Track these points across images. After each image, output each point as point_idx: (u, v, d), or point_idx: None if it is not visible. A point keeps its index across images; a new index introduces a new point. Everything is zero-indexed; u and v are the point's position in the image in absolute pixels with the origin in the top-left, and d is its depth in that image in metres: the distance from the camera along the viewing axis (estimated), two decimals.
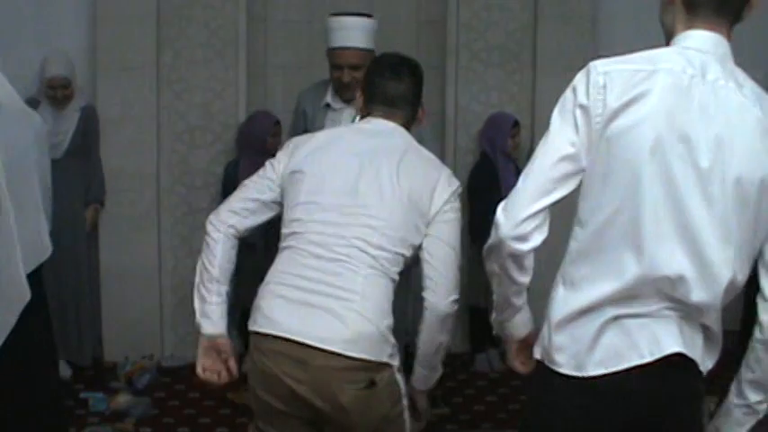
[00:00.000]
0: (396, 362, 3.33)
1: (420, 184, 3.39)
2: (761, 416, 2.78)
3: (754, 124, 2.56)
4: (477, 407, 6.28)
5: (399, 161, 3.42)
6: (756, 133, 2.56)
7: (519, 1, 7.08)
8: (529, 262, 2.68)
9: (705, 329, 2.66)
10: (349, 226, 3.31)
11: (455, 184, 3.49)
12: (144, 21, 6.80)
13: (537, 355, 2.74)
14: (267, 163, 3.58)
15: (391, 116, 3.60)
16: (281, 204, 3.49)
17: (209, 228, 3.52)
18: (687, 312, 2.59)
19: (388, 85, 3.62)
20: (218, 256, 3.50)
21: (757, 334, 2.67)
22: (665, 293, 2.56)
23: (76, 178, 6.63)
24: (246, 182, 3.60)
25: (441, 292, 3.36)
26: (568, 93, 2.64)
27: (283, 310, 3.27)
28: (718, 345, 2.70)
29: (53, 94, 6.48)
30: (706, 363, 2.68)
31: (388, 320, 3.28)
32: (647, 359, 2.57)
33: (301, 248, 3.34)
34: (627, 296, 2.56)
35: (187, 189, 6.94)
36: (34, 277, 4.29)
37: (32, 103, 6.31)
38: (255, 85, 7.07)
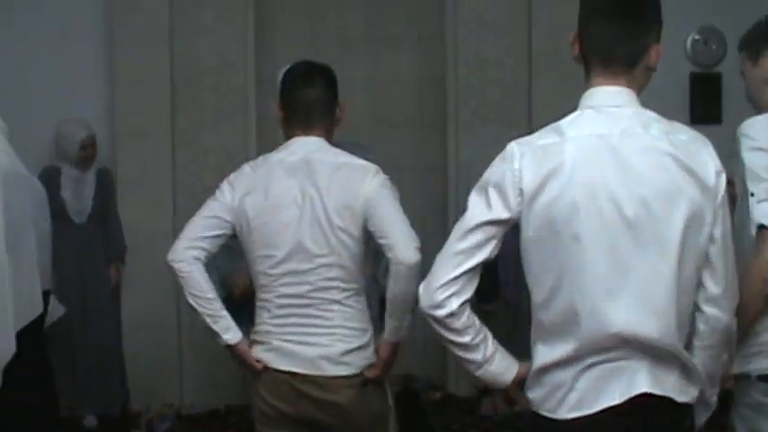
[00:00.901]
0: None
1: (350, 199, 3.65)
2: (713, 407, 2.99)
3: (667, 161, 2.71)
4: None
5: (327, 190, 3.65)
6: (670, 163, 2.71)
7: (514, 58, 7.32)
8: (459, 323, 2.84)
9: (680, 363, 2.78)
10: (309, 272, 3.65)
11: (374, 171, 3.74)
12: (159, 86, 7.12)
13: (528, 396, 2.89)
14: (212, 202, 3.85)
15: (311, 130, 3.81)
16: (233, 229, 3.78)
17: (174, 266, 3.82)
18: (654, 353, 2.72)
19: (302, 94, 3.83)
20: (201, 281, 3.78)
21: (696, 341, 2.87)
22: (626, 342, 2.71)
23: (98, 240, 6.90)
24: (197, 218, 3.87)
25: (399, 245, 3.61)
26: (488, 176, 2.82)
27: (283, 358, 3.74)
28: (696, 373, 2.81)
29: (84, 154, 6.77)
30: (689, 392, 2.81)
31: (370, 329, 3.78)
32: (617, 401, 2.72)
33: (277, 302, 3.73)
34: (592, 350, 2.72)
35: None
36: (28, 336, 4.50)
37: (51, 171, 6.63)
38: (266, 144, 7.31)
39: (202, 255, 3.79)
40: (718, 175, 2.75)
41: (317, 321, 3.69)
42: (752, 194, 3.12)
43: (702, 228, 2.74)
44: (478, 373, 2.96)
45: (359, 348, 3.72)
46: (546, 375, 2.81)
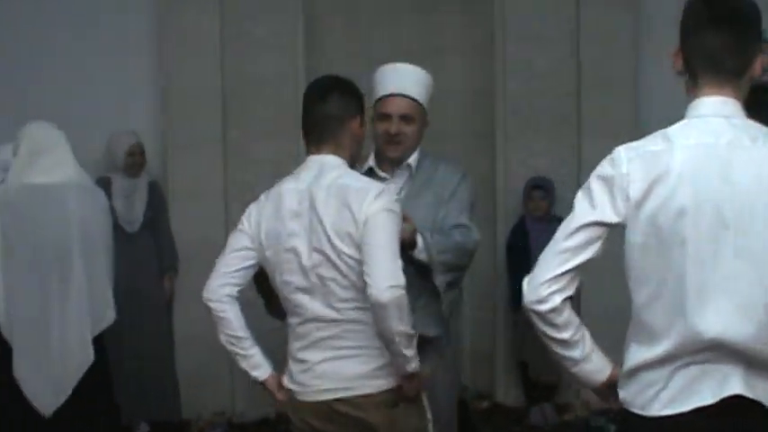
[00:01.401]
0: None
1: (347, 225, 3.59)
2: None
3: None
4: None
5: (327, 217, 3.62)
6: None
7: (563, 69, 7.36)
8: (560, 319, 2.95)
9: None
10: (327, 295, 3.64)
11: (373, 194, 3.62)
12: (210, 99, 7.23)
13: (620, 394, 2.96)
14: (237, 233, 3.94)
15: (322, 147, 3.79)
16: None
17: (211, 306, 3.96)
18: (750, 357, 2.77)
19: (315, 109, 3.81)
20: (234, 322, 3.91)
21: None
22: (722, 346, 2.76)
23: (150, 250, 7.00)
24: (226, 252, 3.98)
25: (374, 280, 3.48)
26: (595, 179, 2.92)
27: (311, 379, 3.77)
28: None
29: (131, 161, 6.88)
30: None
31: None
32: (709, 401, 2.77)
33: (303, 325, 3.77)
34: (688, 351, 2.78)
35: None
36: (97, 343, 4.64)
37: (104, 181, 6.72)
38: None
39: (235, 290, 3.91)
40: None
41: (341, 343, 3.67)
42: None
43: None
44: (574, 370, 3.04)
45: (386, 366, 3.66)
46: (640, 374, 2.87)
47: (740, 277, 2.75)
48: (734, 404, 2.77)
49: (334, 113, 3.79)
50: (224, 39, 7.27)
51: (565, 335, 2.98)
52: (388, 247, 3.55)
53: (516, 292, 7.05)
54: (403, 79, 4.60)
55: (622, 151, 2.89)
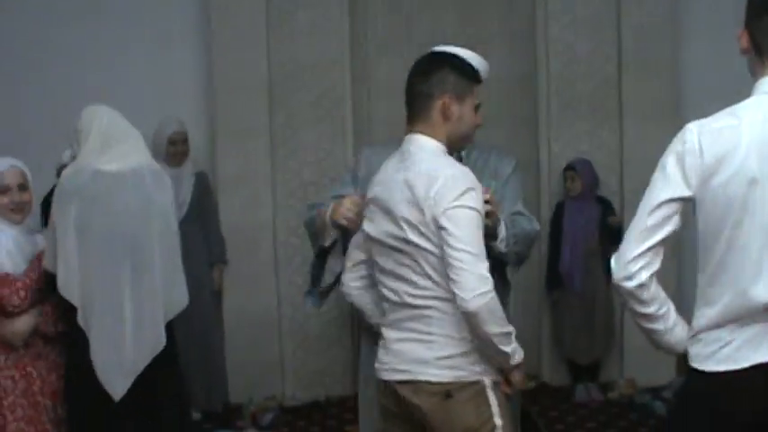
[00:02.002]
0: (488, 377, 3.58)
1: (415, 213, 3.51)
2: None
3: None
4: None
5: (401, 205, 3.55)
6: None
7: (604, 52, 7.42)
8: (647, 295, 3.12)
9: None
10: (402, 280, 3.62)
11: (454, 187, 3.47)
12: (257, 87, 7.32)
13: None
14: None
15: (413, 125, 3.67)
16: None
17: (348, 298, 4.04)
18: None
19: (409, 86, 3.69)
20: (367, 310, 3.99)
21: None
22: None
23: (196, 240, 7.00)
24: (349, 250, 4.00)
25: (461, 286, 3.41)
26: (668, 156, 3.06)
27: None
28: None
29: (173, 150, 6.93)
30: None
31: (469, 339, 3.54)
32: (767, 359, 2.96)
33: (386, 303, 3.76)
34: (749, 314, 2.97)
35: (302, 241, 7.35)
36: (167, 330, 4.69)
37: None
38: (361, 139, 7.50)
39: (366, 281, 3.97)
40: None
41: (415, 326, 3.61)
42: None
43: None
44: (659, 341, 3.23)
45: (453, 357, 3.56)
46: (703, 334, 3.07)
47: None
48: None
49: (423, 91, 3.65)
50: (269, 26, 7.35)
51: (650, 309, 3.15)
52: (472, 246, 3.43)
53: (551, 273, 7.20)
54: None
55: (693, 127, 3.03)
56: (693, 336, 3.11)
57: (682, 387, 3.30)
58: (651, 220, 3.07)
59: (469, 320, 3.44)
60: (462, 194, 3.43)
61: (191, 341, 6.72)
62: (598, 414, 6.86)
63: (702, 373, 3.07)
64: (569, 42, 7.43)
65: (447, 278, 3.44)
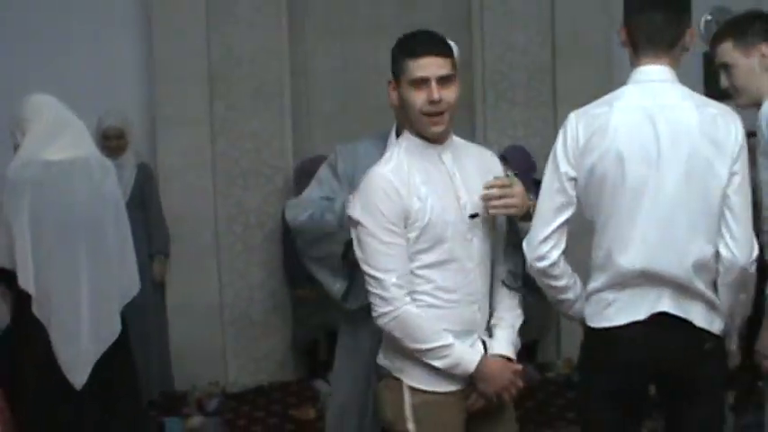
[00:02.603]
0: (402, 375, 3.55)
1: None
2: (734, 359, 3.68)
3: (695, 125, 3.30)
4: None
5: None
6: (695, 131, 3.29)
7: (538, 42, 7.58)
8: (558, 271, 3.48)
9: (703, 298, 3.39)
10: None
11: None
12: (197, 76, 7.37)
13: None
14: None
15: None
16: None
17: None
18: (676, 282, 3.34)
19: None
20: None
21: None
22: (650, 275, 3.35)
23: (137, 230, 7.05)
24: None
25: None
26: (557, 142, 3.46)
27: None
28: (719, 311, 3.43)
29: (107, 144, 6.90)
30: (714, 324, 3.42)
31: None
32: (642, 317, 3.37)
33: None
34: (627, 278, 3.37)
35: (243, 228, 7.50)
36: (121, 319, 4.76)
37: None
38: (300, 131, 7.61)
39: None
40: (737, 146, 3.32)
41: None
42: None
43: (715, 183, 3.31)
44: (569, 309, 3.61)
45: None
46: (593, 296, 3.49)
47: (663, 212, 3.32)
48: (663, 320, 3.37)
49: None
50: (209, 15, 7.39)
51: (561, 282, 3.52)
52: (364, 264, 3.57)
53: None
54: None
55: (573, 115, 3.45)
56: (586, 298, 3.52)
57: (581, 345, 3.63)
58: (551, 203, 3.44)
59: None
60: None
61: (133, 329, 6.77)
62: (536, 393, 6.96)
63: (592, 329, 3.50)
64: (504, 32, 7.58)
65: None
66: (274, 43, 7.45)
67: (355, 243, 3.50)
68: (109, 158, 6.61)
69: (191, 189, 7.37)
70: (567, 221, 3.44)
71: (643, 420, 3.74)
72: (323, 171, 4.17)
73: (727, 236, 3.34)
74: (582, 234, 3.54)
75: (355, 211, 3.47)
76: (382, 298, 3.43)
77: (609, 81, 7.39)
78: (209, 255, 7.41)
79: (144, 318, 6.89)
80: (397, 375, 3.55)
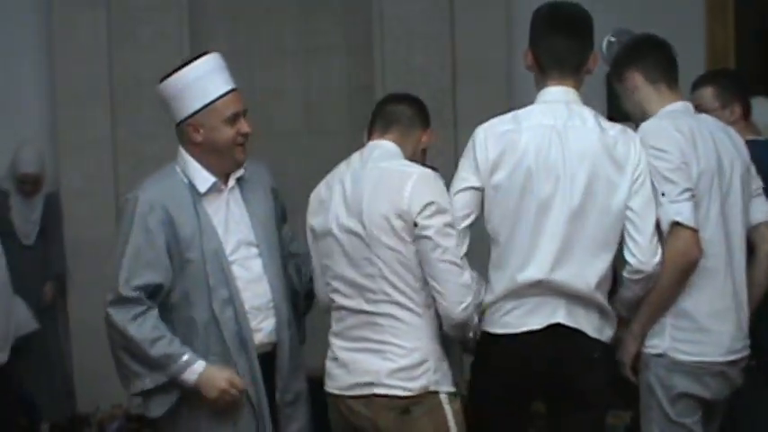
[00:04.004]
0: (444, 388, 3.66)
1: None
2: None
3: (598, 145, 3.55)
4: None
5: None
6: (598, 151, 3.54)
7: (438, 65, 7.63)
8: None
9: (598, 308, 3.63)
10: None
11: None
12: (99, 100, 7.41)
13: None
14: None
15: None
16: None
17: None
18: (571, 293, 3.56)
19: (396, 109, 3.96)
20: None
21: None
22: (548, 287, 3.56)
23: (36, 259, 7.21)
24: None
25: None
26: (464, 155, 3.69)
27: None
28: (612, 319, 3.69)
29: (23, 188, 7.03)
30: (604, 332, 3.67)
31: (424, 348, 3.67)
32: (537, 327, 3.57)
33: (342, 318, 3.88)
34: (524, 288, 3.57)
35: None
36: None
37: (1, 193, 6.84)
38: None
39: None
40: (636, 163, 3.57)
41: (366, 334, 3.69)
42: (663, 194, 3.68)
43: (616, 200, 3.56)
44: None
45: (404, 369, 3.63)
46: (494, 304, 3.65)
47: (564, 228, 3.53)
48: (558, 331, 3.57)
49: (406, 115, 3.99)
50: (111, 40, 7.43)
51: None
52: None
53: None
54: (220, 75, 3.93)
55: (480, 131, 3.68)
56: (487, 307, 3.66)
57: (476, 347, 3.82)
58: (455, 212, 3.62)
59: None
60: None
61: (34, 355, 6.76)
62: None
63: (489, 334, 3.67)
64: (405, 56, 7.65)
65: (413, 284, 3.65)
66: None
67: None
68: (24, 199, 6.74)
69: (93, 213, 7.34)
70: (469, 227, 3.66)
71: (528, 425, 3.89)
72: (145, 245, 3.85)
73: (631, 245, 3.58)
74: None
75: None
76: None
77: (509, 102, 7.52)
78: (110, 278, 7.34)
79: (42, 343, 6.96)
80: (434, 389, 3.64)
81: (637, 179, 3.59)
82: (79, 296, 7.33)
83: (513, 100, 7.49)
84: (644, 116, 3.90)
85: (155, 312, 3.76)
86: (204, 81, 3.87)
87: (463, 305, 3.60)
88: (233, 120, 3.85)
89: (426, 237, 3.56)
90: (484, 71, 7.59)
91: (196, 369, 3.69)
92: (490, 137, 3.62)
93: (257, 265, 3.88)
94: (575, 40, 3.69)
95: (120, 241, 3.82)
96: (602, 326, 3.67)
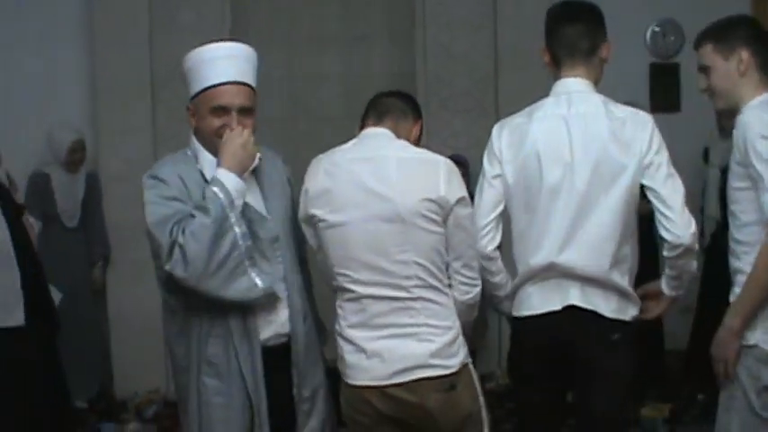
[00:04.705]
0: (470, 359, 3.76)
1: None
2: None
3: (605, 130, 3.68)
4: None
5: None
6: (606, 135, 3.68)
7: (481, 52, 7.62)
8: (493, 267, 3.88)
9: (617, 289, 3.74)
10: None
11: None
12: (140, 85, 7.44)
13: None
14: None
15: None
16: None
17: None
18: (583, 276, 3.70)
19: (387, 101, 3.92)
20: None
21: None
22: (561, 268, 3.72)
23: (80, 239, 7.27)
24: None
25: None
26: (487, 147, 3.92)
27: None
28: (635, 299, 3.82)
29: (73, 158, 7.07)
30: (627, 312, 3.79)
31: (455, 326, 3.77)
32: (558, 307, 3.75)
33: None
34: (541, 272, 3.76)
35: None
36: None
37: (41, 177, 6.87)
38: None
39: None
40: (645, 144, 3.67)
41: (396, 319, 3.66)
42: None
43: (624, 180, 3.67)
44: (499, 305, 4.03)
45: (445, 347, 3.66)
46: (518, 290, 3.87)
47: (574, 212, 3.69)
48: (574, 312, 3.73)
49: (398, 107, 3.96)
50: (153, 24, 7.45)
51: (495, 279, 3.91)
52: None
53: None
54: (233, 63, 3.82)
55: (498, 125, 3.93)
56: (512, 293, 3.90)
57: (510, 333, 4.04)
58: (485, 204, 3.83)
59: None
60: None
61: (77, 338, 6.79)
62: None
63: (517, 318, 3.89)
64: (446, 42, 7.62)
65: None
66: None
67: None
68: (71, 171, 6.80)
69: (133, 198, 7.26)
70: (499, 216, 3.85)
71: (565, 399, 4.06)
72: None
73: (664, 221, 3.66)
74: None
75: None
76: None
77: (551, 88, 7.49)
78: (150, 264, 7.33)
79: (90, 326, 7.14)
80: (467, 361, 3.76)
81: (650, 159, 3.69)
82: (118, 281, 7.35)
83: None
84: (733, 102, 3.78)
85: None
86: (209, 66, 3.78)
87: (477, 290, 3.81)
88: (219, 112, 3.69)
89: (462, 226, 3.68)
90: (526, 59, 7.53)
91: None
92: (505, 129, 3.88)
93: None
94: (584, 26, 3.83)
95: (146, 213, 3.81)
96: (623, 306, 3.78)
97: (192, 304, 3.68)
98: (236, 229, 3.57)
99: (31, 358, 5.08)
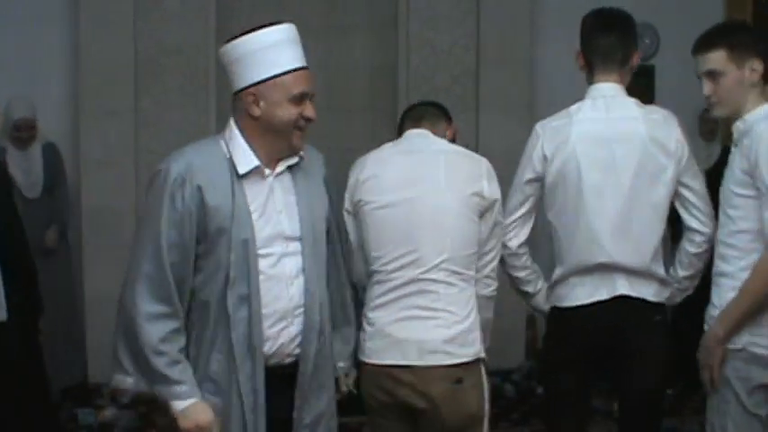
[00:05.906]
0: (484, 356, 3.87)
1: None
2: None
3: (644, 132, 3.91)
4: None
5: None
6: (644, 137, 3.89)
7: (463, 47, 7.68)
8: (518, 262, 4.11)
9: (656, 278, 3.99)
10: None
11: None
12: (122, 69, 7.40)
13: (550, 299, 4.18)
14: None
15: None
16: None
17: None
18: (630, 269, 3.93)
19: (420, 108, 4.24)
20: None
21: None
22: (610, 264, 3.93)
23: (46, 212, 7.17)
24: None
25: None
26: (527, 147, 4.05)
27: None
28: (668, 282, 4.05)
29: (18, 135, 6.99)
30: (663, 294, 4.03)
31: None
32: (605, 297, 3.95)
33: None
34: (589, 266, 3.95)
35: None
36: None
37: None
38: (224, 124, 7.56)
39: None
40: (679, 144, 3.91)
41: (416, 301, 3.77)
42: None
43: (664, 177, 3.90)
44: (530, 301, 4.25)
45: (460, 334, 3.76)
46: (559, 283, 4.05)
47: (620, 210, 3.89)
48: (622, 301, 3.95)
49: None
50: (137, 8, 7.44)
51: (521, 274, 4.15)
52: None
53: None
54: (294, 48, 3.52)
55: (538, 127, 4.06)
56: (552, 285, 4.09)
57: (547, 323, 4.27)
58: (514, 200, 4.05)
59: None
60: None
61: (52, 315, 6.73)
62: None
63: (560, 308, 4.06)
64: (429, 37, 7.67)
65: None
66: (201, 38, 7.49)
67: None
68: (19, 149, 6.72)
69: (113, 183, 7.36)
70: (527, 214, 4.06)
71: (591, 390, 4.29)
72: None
73: (694, 211, 3.97)
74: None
75: None
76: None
77: (531, 87, 7.54)
78: (127, 249, 7.35)
79: (64, 300, 7.14)
80: (480, 357, 3.86)
81: (681, 158, 3.92)
82: (96, 267, 7.34)
83: (535, 83, 7.53)
84: (736, 110, 3.81)
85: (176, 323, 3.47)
86: (276, 50, 3.43)
87: (496, 284, 4.01)
88: (299, 99, 3.43)
89: (499, 223, 3.94)
90: (507, 54, 7.59)
91: (185, 403, 3.39)
92: (546, 131, 4.02)
93: (292, 262, 3.49)
94: (618, 37, 4.02)
95: (150, 212, 3.62)
96: (661, 290, 4.03)
97: (194, 320, 3.50)
98: None
99: (12, 357, 5.03)
